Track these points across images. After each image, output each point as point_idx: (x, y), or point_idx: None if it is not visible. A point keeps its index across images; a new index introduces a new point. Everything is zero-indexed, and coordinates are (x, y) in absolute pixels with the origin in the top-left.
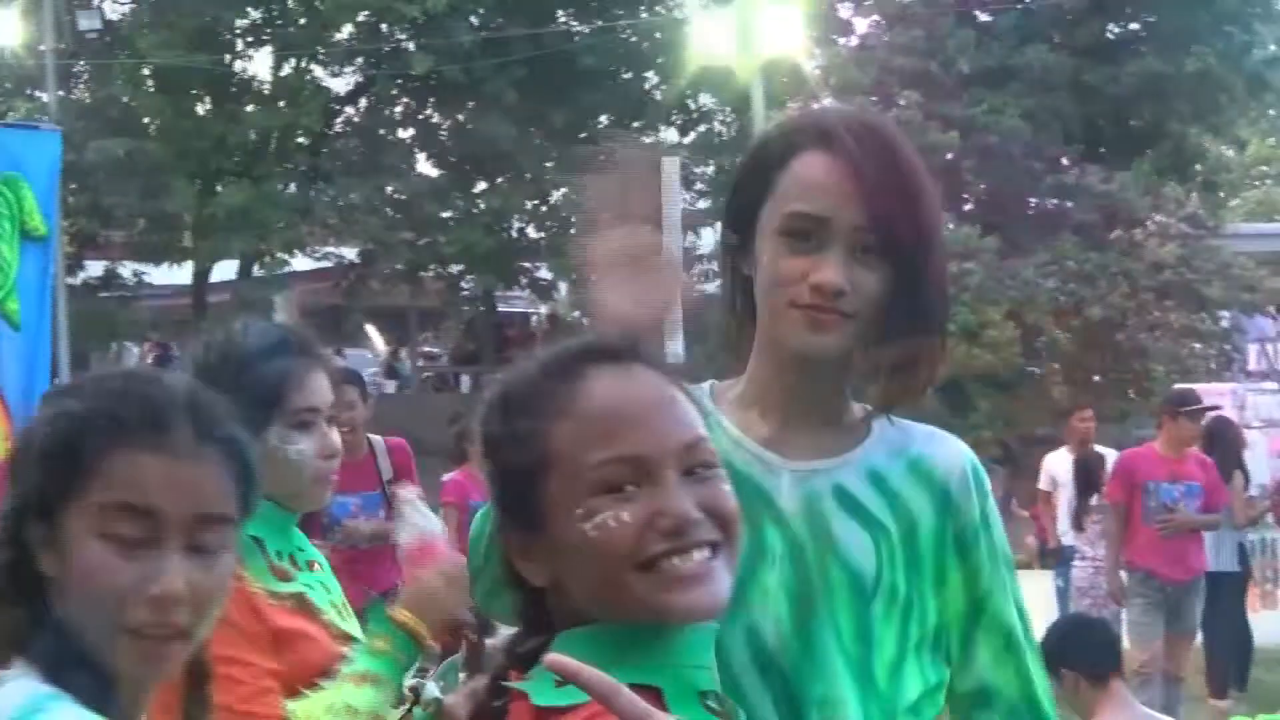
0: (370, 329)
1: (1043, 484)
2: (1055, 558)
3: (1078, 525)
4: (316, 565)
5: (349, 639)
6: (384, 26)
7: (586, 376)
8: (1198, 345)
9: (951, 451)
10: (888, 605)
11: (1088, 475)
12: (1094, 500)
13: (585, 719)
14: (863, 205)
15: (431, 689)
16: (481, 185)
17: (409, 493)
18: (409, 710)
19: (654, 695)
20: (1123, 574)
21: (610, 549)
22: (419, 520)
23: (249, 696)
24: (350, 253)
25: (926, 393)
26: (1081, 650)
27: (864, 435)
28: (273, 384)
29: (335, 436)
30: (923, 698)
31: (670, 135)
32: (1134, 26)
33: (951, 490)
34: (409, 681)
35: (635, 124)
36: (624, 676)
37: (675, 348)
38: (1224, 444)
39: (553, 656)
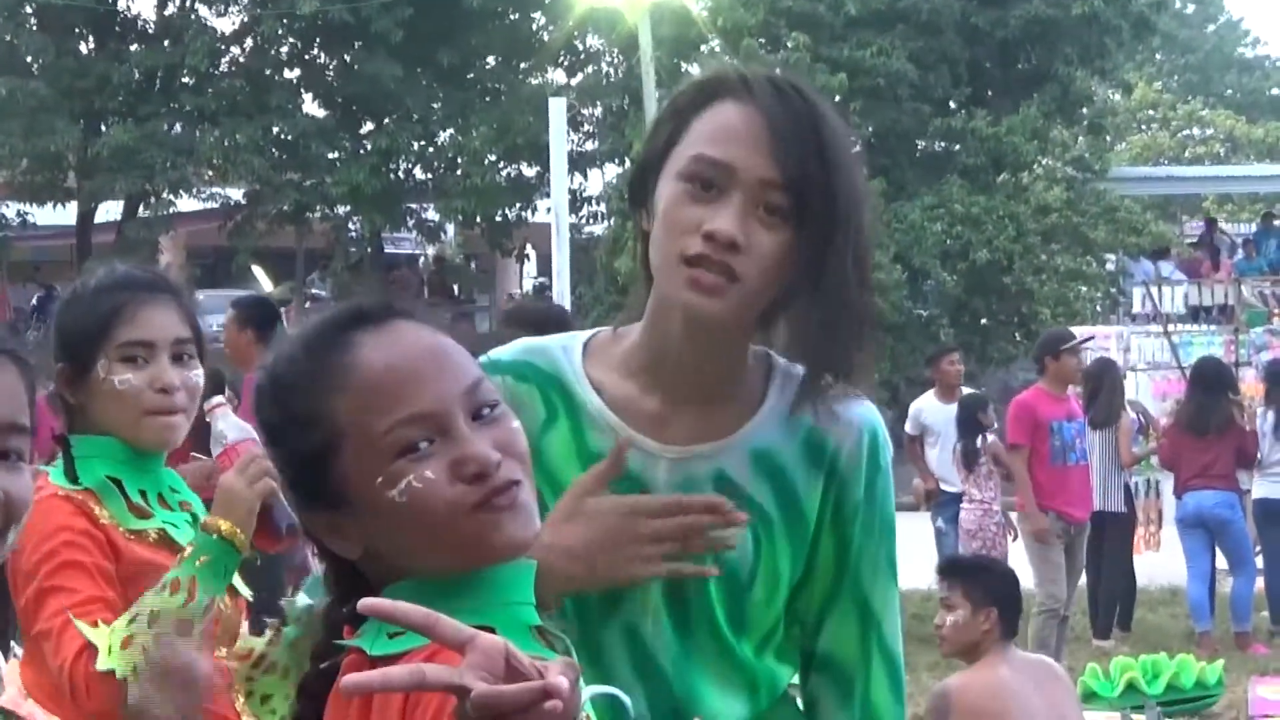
0: (257, 270)
1: (909, 429)
2: (933, 499)
3: (968, 467)
4: (189, 505)
5: None
6: None
7: (353, 345)
8: (1083, 288)
9: (849, 420)
10: (769, 590)
11: (972, 417)
12: (979, 442)
13: (426, 658)
14: (773, 158)
15: (302, 599)
16: (368, 126)
17: (215, 401)
18: (278, 630)
19: (488, 634)
20: (1013, 515)
21: (423, 509)
22: (225, 428)
23: (57, 613)
24: (236, 193)
25: (847, 372)
26: (1013, 606)
27: (755, 408)
28: (98, 318)
29: (175, 374)
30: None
31: (558, 77)
32: None
33: (839, 462)
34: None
35: (522, 65)
36: (456, 619)
37: (562, 287)
38: (1110, 385)
39: (366, 600)
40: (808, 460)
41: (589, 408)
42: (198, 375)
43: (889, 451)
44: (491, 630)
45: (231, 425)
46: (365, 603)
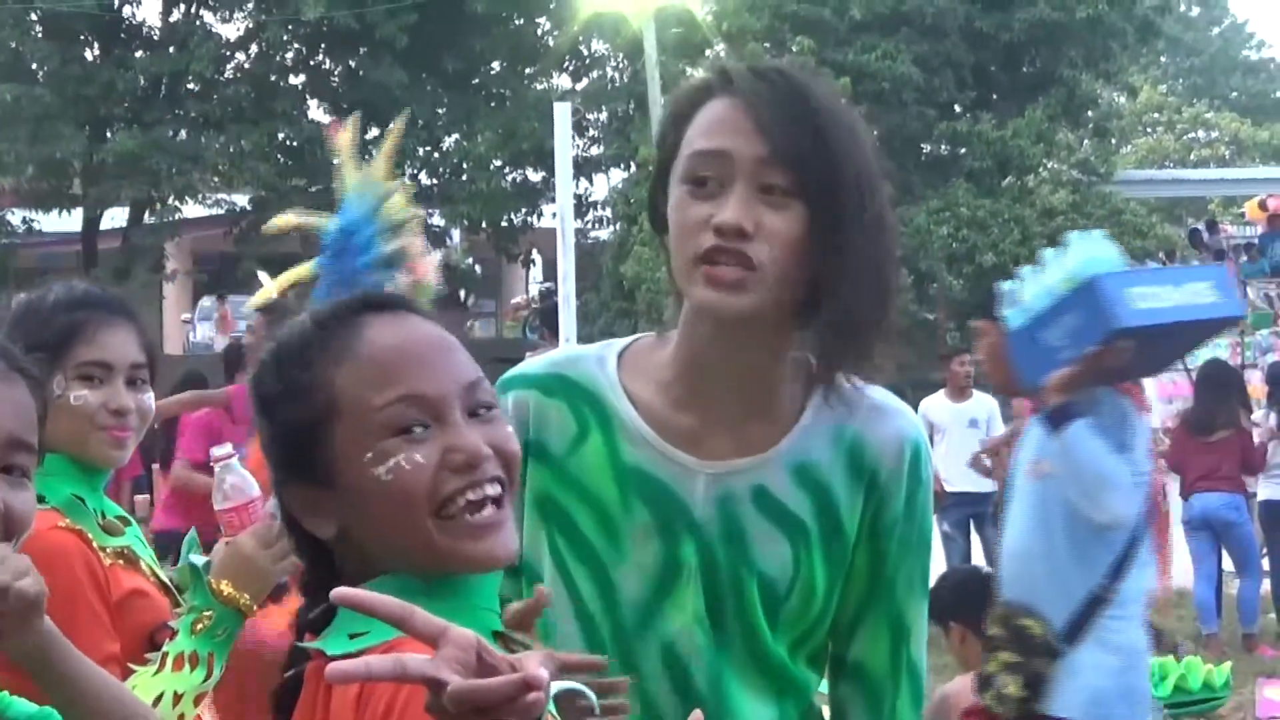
0: (263, 276)
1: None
2: (940, 501)
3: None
4: (128, 522)
5: (166, 588)
6: None
7: (363, 323)
8: None
9: (890, 432)
10: (803, 600)
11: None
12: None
13: (381, 652)
14: (761, 136)
15: (197, 560)
16: (373, 132)
17: (222, 450)
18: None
19: (459, 627)
20: None
21: (407, 492)
22: (234, 482)
23: None
24: (242, 199)
25: (872, 358)
26: (973, 606)
27: (794, 421)
28: (59, 333)
29: (129, 398)
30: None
31: (563, 82)
32: None
33: (880, 475)
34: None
35: (527, 70)
36: None
37: (568, 289)
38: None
39: (340, 590)
40: (849, 473)
41: (624, 419)
42: (149, 400)
43: (930, 466)
44: None
45: (244, 480)
46: (338, 592)
